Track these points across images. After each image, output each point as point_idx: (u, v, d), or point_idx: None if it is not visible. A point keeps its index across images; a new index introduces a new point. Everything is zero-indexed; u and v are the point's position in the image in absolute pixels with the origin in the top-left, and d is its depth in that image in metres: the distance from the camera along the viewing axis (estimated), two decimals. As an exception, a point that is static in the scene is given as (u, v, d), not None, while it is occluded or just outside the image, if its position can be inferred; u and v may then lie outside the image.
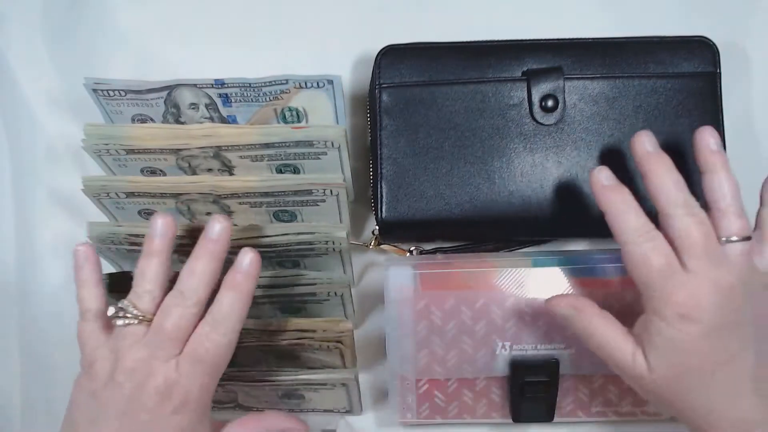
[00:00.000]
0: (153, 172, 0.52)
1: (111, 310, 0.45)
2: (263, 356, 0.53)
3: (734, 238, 0.44)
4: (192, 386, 0.44)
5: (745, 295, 0.44)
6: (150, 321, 0.44)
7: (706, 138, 0.45)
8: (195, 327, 0.45)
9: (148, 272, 0.45)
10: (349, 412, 0.56)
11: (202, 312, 0.45)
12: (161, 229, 0.45)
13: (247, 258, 0.46)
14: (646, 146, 0.45)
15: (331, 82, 0.49)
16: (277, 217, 0.52)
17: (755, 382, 0.43)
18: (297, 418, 0.50)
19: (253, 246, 0.50)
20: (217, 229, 0.45)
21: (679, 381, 0.44)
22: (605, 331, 0.45)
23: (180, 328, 0.44)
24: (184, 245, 0.50)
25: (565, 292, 0.50)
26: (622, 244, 0.44)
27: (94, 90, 0.50)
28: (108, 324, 0.46)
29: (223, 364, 0.45)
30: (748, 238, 0.44)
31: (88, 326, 0.45)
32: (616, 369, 0.46)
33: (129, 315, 0.44)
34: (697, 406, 0.44)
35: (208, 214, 0.51)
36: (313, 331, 0.51)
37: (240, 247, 0.49)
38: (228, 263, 0.46)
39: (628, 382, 0.46)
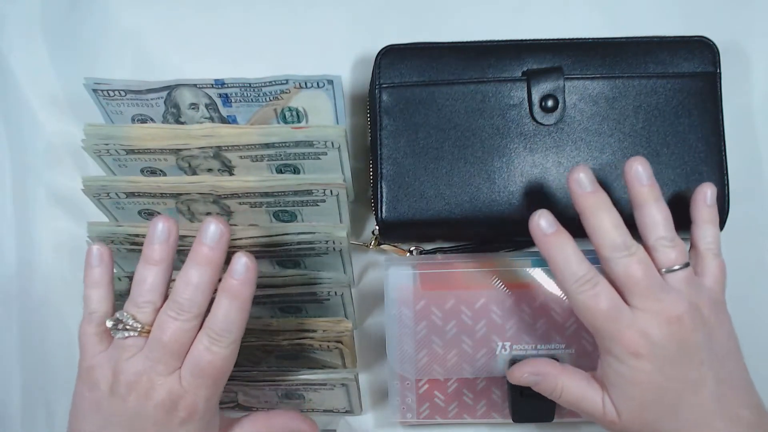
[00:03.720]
0: (153, 172, 0.52)
1: (109, 323, 0.43)
2: (263, 356, 0.53)
3: (675, 267, 0.45)
4: (198, 398, 0.43)
5: (697, 320, 0.44)
6: (149, 332, 0.43)
7: (636, 172, 0.46)
8: (194, 338, 0.43)
9: (149, 281, 0.43)
10: (349, 412, 0.56)
11: (202, 321, 0.43)
12: (162, 234, 0.43)
13: (241, 262, 0.42)
14: (583, 185, 0.45)
15: (331, 82, 0.49)
16: (277, 217, 0.52)
17: (719, 403, 0.44)
18: (307, 418, 0.49)
19: (253, 246, 0.50)
20: (212, 232, 0.42)
21: (643, 415, 0.45)
22: (572, 387, 0.47)
23: (178, 341, 0.42)
24: (185, 246, 0.50)
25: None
26: (566, 293, 0.45)
27: (94, 90, 0.50)
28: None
29: (227, 373, 0.44)
30: (687, 265, 0.45)
31: (90, 329, 0.44)
32: (592, 419, 0.47)
33: (128, 327, 0.43)
34: None
35: (208, 214, 0.51)
36: (314, 330, 0.51)
37: (241, 247, 0.50)
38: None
39: (605, 429, 0.47)
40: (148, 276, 0.43)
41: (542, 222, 0.45)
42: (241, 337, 0.44)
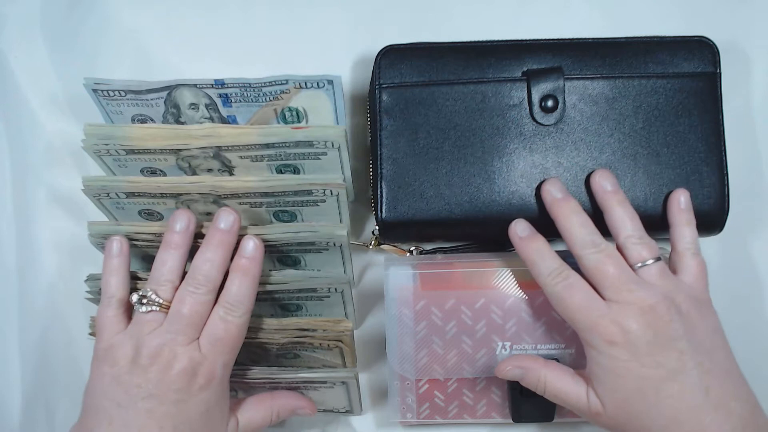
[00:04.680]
0: (153, 172, 0.52)
1: (134, 297, 0.47)
2: (263, 355, 0.53)
3: (648, 262, 0.47)
4: (216, 365, 0.47)
5: (672, 311, 0.45)
6: (168, 308, 0.47)
7: (600, 180, 0.51)
8: (210, 311, 0.47)
9: (169, 263, 0.48)
10: (349, 412, 0.56)
11: (216, 297, 0.48)
12: (182, 224, 0.48)
13: (251, 243, 0.48)
14: (553, 194, 0.50)
15: (331, 82, 0.49)
16: (277, 217, 0.52)
17: (706, 396, 0.44)
18: (306, 398, 0.53)
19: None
20: (226, 219, 0.48)
21: (627, 407, 0.45)
22: (555, 381, 0.48)
23: (197, 313, 0.47)
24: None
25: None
26: (543, 288, 0.49)
27: (94, 90, 0.50)
28: (127, 313, 0.48)
29: (240, 342, 0.48)
30: (658, 259, 0.47)
31: (110, 312, 0.47)
32: (579, 413, 0.48)
33: (151, 301, 0.47)
34: (651, 427, 0.45)
35: (208, 214, 0.51)
36: (314, 330, 0.51)
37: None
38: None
39: (593, 423, 0.48)
40: (168, 259, 0.48)
41: (518, 228, 0.50)
42: (251, 310, 0.48)
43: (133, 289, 0.49)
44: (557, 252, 0.49)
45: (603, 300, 0.46)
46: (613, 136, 0.53)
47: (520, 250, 0.50)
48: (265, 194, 0.50)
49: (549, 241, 0.53)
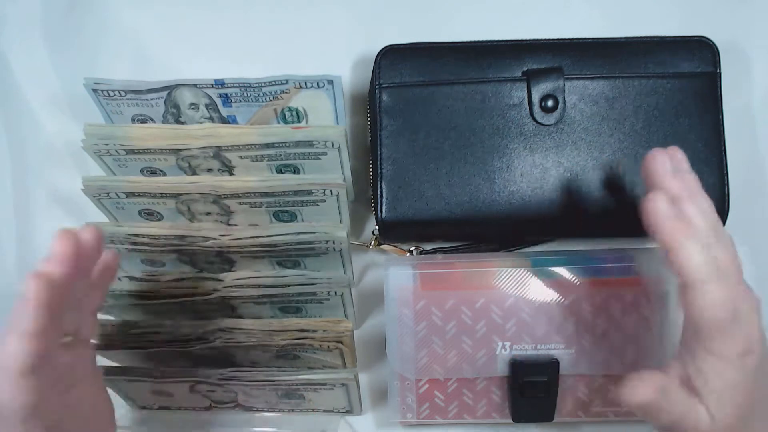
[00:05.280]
0: (153, 172, 0.52)
1: None
2: (263, 356, 0.53)
3: None
4: None
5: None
6: None
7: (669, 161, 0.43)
8: None
9: None
10: (349, 412, 0.56)
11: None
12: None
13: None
14: (663, 211, 0.40)
15: (331, 82, 0.49)
16: (277, 217, 0.52)
17: None
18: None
19: (253, 245, 0.50)
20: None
21: (742, 420, 0.40)
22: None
23: None
24: (184, 245, 0.50)
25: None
26: (691, 284, 0.39)
27: (94, 90, 0.50)
28: None
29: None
30: None
31: None
32: (673, 426, 0.42)
33: None
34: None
35: (208, 214, 0.51)
36: (314, 331, 0.51)
37: (241, 247, 0.50)
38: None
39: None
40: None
41: (662, 204, 0.40)
42: None
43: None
44: (573, 252, 0.47)
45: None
46: (614, 136, 0.53)
47: (663, 231, 0.40)
48: (265, 194, 0.50)
49: (549, 241, 0.54)
